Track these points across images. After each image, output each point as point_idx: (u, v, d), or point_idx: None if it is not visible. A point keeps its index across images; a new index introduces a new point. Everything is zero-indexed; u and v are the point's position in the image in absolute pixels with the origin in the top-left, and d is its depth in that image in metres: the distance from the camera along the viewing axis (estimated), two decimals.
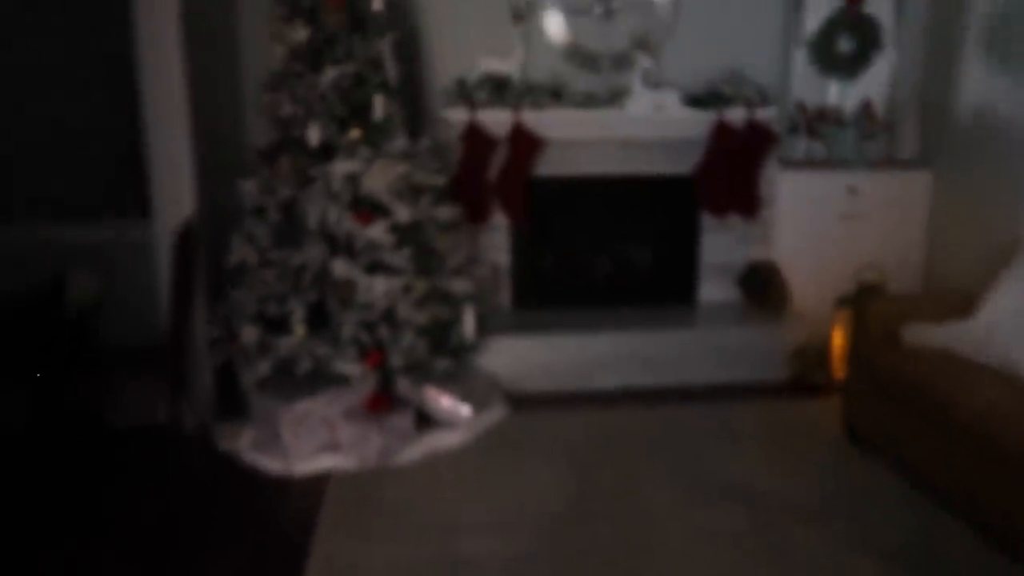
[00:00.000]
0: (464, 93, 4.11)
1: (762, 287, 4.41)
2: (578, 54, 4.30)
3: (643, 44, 4.21)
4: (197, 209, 3.54)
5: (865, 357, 3.47)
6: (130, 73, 3.49)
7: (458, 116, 4.10)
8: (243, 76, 4.19)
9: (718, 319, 4.40)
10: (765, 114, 4.26)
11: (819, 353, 4.14)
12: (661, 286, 4.59)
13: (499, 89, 4.13)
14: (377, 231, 3.42)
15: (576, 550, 2.82)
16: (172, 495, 3.20)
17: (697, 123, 4.25)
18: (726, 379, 4.17)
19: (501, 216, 4.31)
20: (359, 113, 3.48)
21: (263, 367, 3.45)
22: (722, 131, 4.24)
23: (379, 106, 3.49)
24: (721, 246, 4.50)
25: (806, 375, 4.14)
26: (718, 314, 4.45)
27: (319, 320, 3.45)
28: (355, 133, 3.46)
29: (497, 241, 4.37)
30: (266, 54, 3.63)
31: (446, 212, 3.68)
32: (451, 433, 3.56)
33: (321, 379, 3.44)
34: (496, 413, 3.78)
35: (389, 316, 3.46)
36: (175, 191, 3.51)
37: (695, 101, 4.23)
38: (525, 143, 4.17)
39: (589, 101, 4.20)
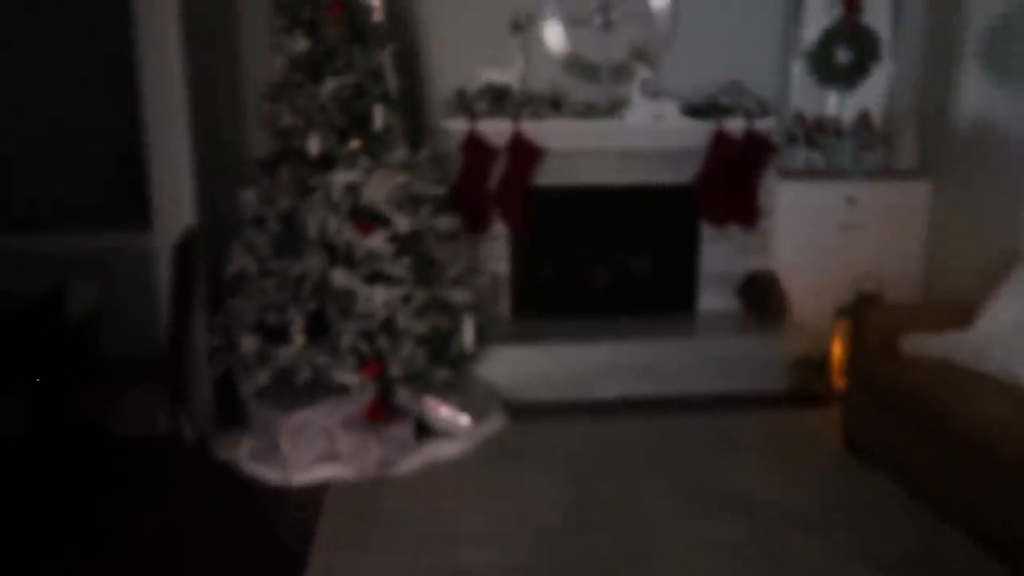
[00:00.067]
0: (464, 103, 4.13)
1: (761, 297, 4.41)
2: (577, 65, 4.32)
3: (642, 55, 4.22)
4: (197, 219, 3.55)
5: (864, 367, 3.47)
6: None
7: (458, 126, 4.12)
8: (243, 87, 4.21)
9: (717, 329, 4.40)
10: (764, 124, 4.28)
11: (818, 363, 4.14)
12: (660, 296, 4.60)
13: (499, 99, 4.15)
14: (377, 241, 3.43)
15: (576, 560, 2.81)
16: (171, 505, 3.20)
17: (696, 133, 4.27)
18: (726, 389, 4.17)
19: (501, 226, 4.32)
20: (359, 123, 3.49)
21: (262, 377, 3.45)
22: (721, 141, 4.26)
23: (379, 117, 3.50)
24: (720, 256, 4.51)
25: (805, 385, 4.14)
26: (717, 324, 4.45)
27: (318, 330, 3.45)
28: (355, 143, 3.47)
29: (497, 251, 4.38)
30: (266, 64, 3.64)
31: (446, 222, 3.69)
32: (450, 443, 3.56)
33: (320, 389, 3.44)
34: (495, 423, 3.77)
35: (388, 326, 3.47)
36: (176, 201, 3.53)
37: (694, 111, 4.25)
38: (525, 153, 4.18)
39: (589, 111, 4.22)
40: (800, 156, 4.50)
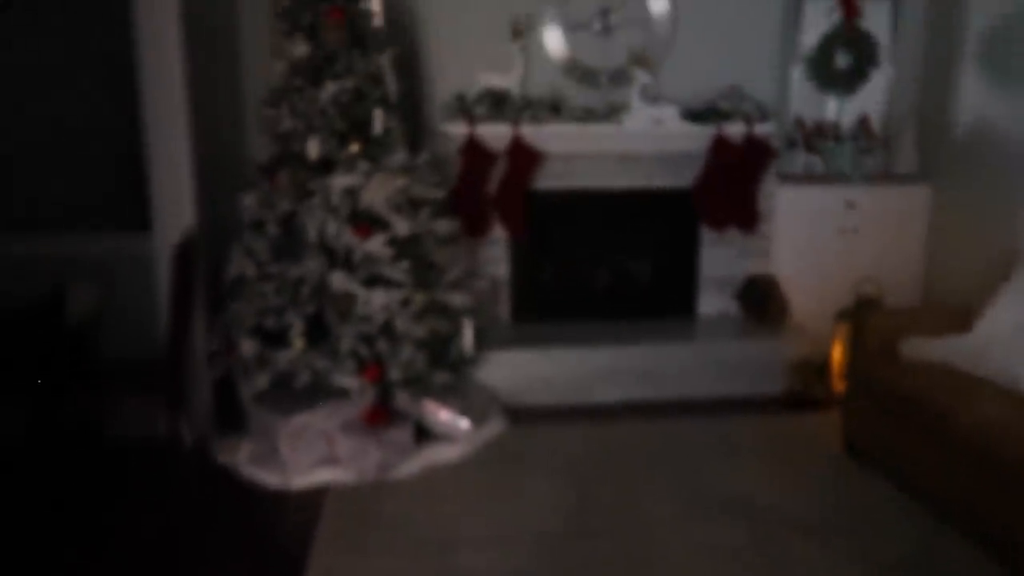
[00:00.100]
0: (464, 107, 4.13)
1: (761, 301, 4.41)
2: (577, 69, 4.33)
3: (641, 60, 4.23)
4: (197, 223, 3.55)
5: (864, 371, 3.47)
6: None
7: (457, 130, 4.13)
8: (243, 90, 4.22)
9: (717, 333, 4.40)
10: (763, 129, 4.28)
11: (818, 367, 4.14)
12: (660, 299, 4.60)
13: (498, 104, 4.16)
14: (376, 244, 3.43)
15: (576, 564, 2.80)
16: (170, 508, 3.19)
17: (696, 138, 4.27)
18: (725, 392, 4.16)
19: (500, 229, 4.32)
20: (359, 127, 3.50)
21: (262, 380, 3.44)
22: (721, 146, 4.26)
23: (378, 120, 3.50)
24: (720, 260, 4.51)
25: (805, 389, 4.14)
26: (717, 328, 4.46)
27: (318, 333, 3.45)
28: (354, 147, 3.48)
29: (496, 254, 4.38)
30: (266, 64, 3.65)
31: (445, 225, 3.69)
32: (450, 447, 3.55)
33: (320, 392, 3.43)
34: (495, 427, 3.77)
35: (388, 329, 3.46)
36: (175, 204, 3.53)
37: (694, 116, 4.26)
38: (524, 157, 4.19)
39: (588, 116, 4.23)
40: (800, 160, 4.51)
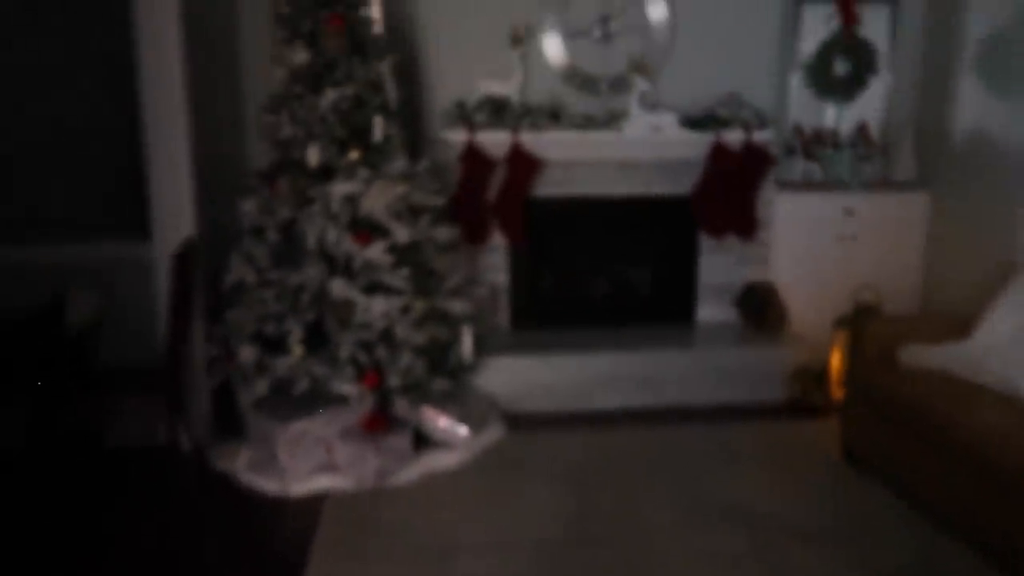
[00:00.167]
0: (463, 115, 4.14)
1: (760, 308, 4.41)
2: (576, 76, 4.34)
3: (641, 67, 4.24)
4: (197, 229, 3.55)
5: (863, 378, 3.47)
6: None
7: (457, 137, 4.14)
8: (243, 96, 4.23)
9: (717, 340, 4.40)
10: (762, 136, 4.29)
11: (817, 374, 4.14)
12: (659, 306, 4.60)
13: (498, 111, 4.16)
14: (376, 251, 3.43)
15: (575, 571, 2.80)
16: (169, 515, 3.19)
17: (694, 145, 4.28)
18: (725, 399, 4.16)
19: (500, 237, 4.32)
20: (359, 135, 3.50)
21: (261, 387, 3.45)
22: (720, 153, 4.27)
23: (378, 128, 3.51)
24: (719, 267, 4.51)
25: (804, 396, 4.14)
26: (716, 335, 4.45)
27: (317, 340, 3.45)
28: (354, 154, 3.48)
29: (496, 261, 4.39)
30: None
31: (445, 232, 3.70)
32: (449, 453, 3.55)
33: (319, 399, 3.44)
34: (494, 433, 3.77)
35: (387, 336, 3.47)
36: (175, 211, 3.53)
37: (692, 123, 4.27)
38: (524, 164, 4.19)
39: (587, 123, 4.23)
40: (798, 168, 4.52)
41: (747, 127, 4.26)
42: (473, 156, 4.15)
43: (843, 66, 4.40)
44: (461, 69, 4.23)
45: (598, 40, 4.34)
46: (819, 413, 4.04)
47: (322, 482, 3.33)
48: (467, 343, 3.73)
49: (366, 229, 3.45)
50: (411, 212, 3.58)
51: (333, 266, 3.46)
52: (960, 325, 3.42)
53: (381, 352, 3.45)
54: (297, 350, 3.41)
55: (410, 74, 4.14)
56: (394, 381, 3.46)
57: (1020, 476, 2.59)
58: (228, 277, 3.53)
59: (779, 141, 4.44)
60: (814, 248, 4.44)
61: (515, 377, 4.05)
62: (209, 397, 3.66)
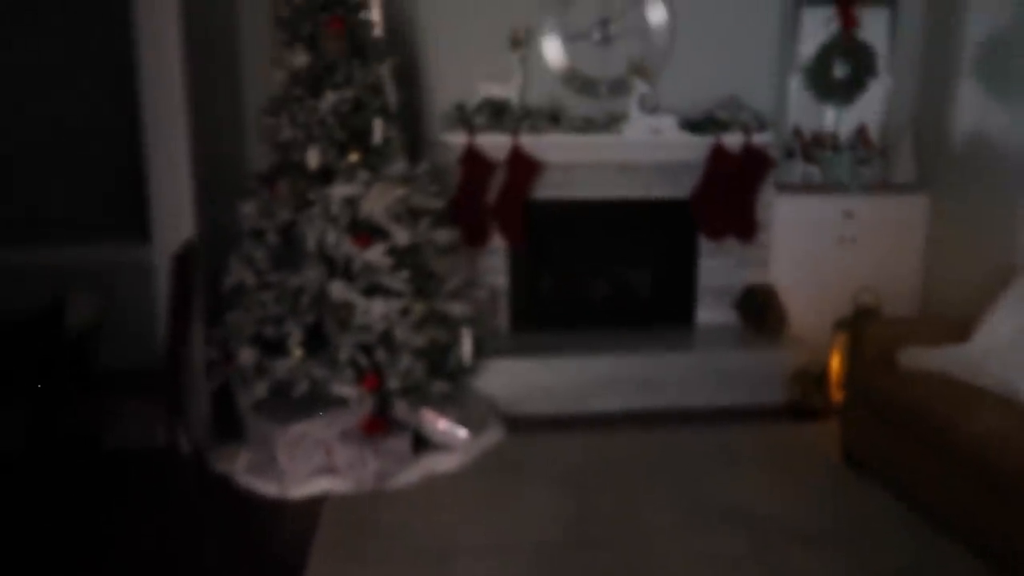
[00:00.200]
0: (463, 117, 4.15)
1: (759, 310, 4.42)
2: (576, 79, 4.35)
3: (640, 70, 4.25)
4: (197, 232, 3.56)
5: (862, 380, 3.47)
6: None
7: (457, 140, 4.14)
8: (243, 99, 4.23)
9: (716, 342, 4.40)
10: (762, 139, 4.29)
11: (817, 376, 4.14)
12: (659, 309, 4.60)
13: (498, 113, 4.17)
14: (375, 254, 3.43)
15: (575, 574, 2.80)
16: (168, 517, 3.19)
17: (694, 147, 4.29)
18: (724, 402, 4.16)
19: (499, 239, 4.32)
20: (358, 137, 3.51)
21: (260, 389, 3.45)
22: (719, 155, 4.28)
23: (378, 130, 3.51)
24: (718, 269, 4.51)
25: (804, 398, 4.13)
26: (716, 337, 4.45)
27: (316, 342, 3.45)
28: (354, 157, 3.48)
29: (495, 264, 4.39)
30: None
31: (444, 235, 3.70)
32: (448, 456, 3.55)
33: (318, 401, 3.43)
34: (493, 436, 3.77)
35: (387, 339, 3.47)
36: (175, 213, 3.53)
37: (692, 126, 4.27)
38: (523, 167, 4.20)
39: (587, 126, 4.24)
40: (798, 170, 4.52)
41: (747, 130, 4.26)
42: (473, 158, 4.15)
43: (842, 69, 4.41)
44: (461, 72, 4.23)
45: (598, 43, 4.34)
46: (819, 415, 4.04)
47: (321, 484, 3.33)
48: (467, 345, 3.73)
49: (366, 231, 3.45)
50: (411, 214, 3.58)
51: (333, 268, 3.46)
52: (960, 327, 3.42)
53: (381, 354, 3.45)
54: (296, 352, 3.41)
55: (410, 77, 4.15)
56: (394, 383, 3.46)
57: (1020, 479, 2.59)
58: (228, 279, 3.53)
59: (779, 143, 4.44)
60: (814, 250, 4.44)
61: (515, 379, 4.05)
62: (208, 399, 3.66)
